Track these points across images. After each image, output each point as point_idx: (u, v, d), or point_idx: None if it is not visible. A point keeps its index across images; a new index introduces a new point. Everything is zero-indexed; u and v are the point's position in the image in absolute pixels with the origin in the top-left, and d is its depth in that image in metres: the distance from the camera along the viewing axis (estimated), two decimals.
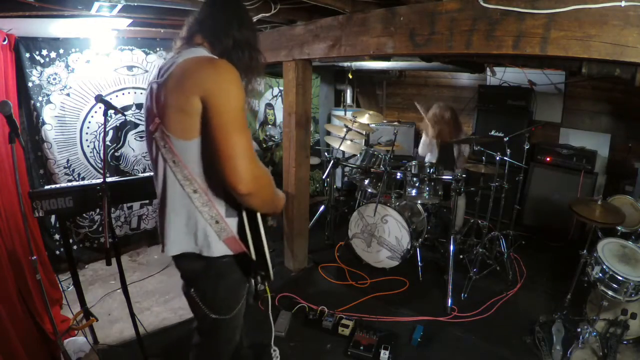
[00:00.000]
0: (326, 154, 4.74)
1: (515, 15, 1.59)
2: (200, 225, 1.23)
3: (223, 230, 1.23)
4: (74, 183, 2.31)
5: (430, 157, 3.76)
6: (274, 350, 1.82)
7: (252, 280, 1.40)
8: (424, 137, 3.79)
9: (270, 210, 1.35)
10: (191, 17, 1.33)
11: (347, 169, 3.86)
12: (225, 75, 1.14)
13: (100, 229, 3.24)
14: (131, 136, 3.34)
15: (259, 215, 1.29)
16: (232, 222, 1.27)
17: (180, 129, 1.15)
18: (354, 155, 3.77)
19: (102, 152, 3.09)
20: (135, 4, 2.14)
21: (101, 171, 3.03)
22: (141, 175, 2.35)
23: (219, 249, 1.26)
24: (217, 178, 1.19)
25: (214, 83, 1.12)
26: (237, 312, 1.41)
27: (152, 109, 1.22)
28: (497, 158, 3.05)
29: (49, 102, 2.83)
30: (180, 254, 1.29)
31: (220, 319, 1.37)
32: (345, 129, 3.53)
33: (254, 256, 1.29)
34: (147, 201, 3.50)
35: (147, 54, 3.27)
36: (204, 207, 1.21)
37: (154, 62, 3.32)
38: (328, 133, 4.60)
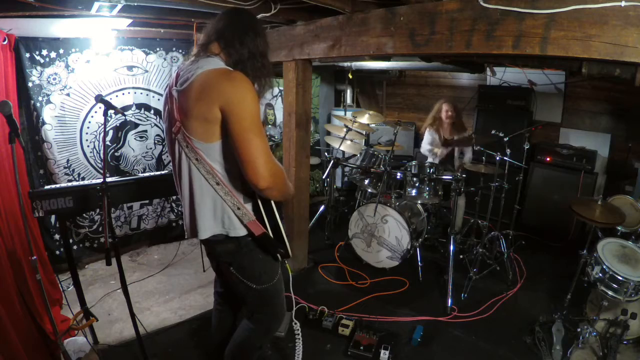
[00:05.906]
0: (326, 154, 4.75)
1: (515, 16, 1.59)
2: (226, 211, 1.41)
3: (245, 215, 1.41)
4: (74, 183, 2.32)
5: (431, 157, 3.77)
6: (295, 324, 1.94)
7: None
8: (426, 134, 3.79)
9: (284, 199, 1.52)
10: (210, 25, 1.45)
11: (347, 169, 3.86)
12: (242, 87, 1.28)
13: (100, 229, 3.24)
14: (131, 136, 3.34)
15: (272, 201, 1.48)
16: (250, 208, 1.44)
17: (201, 133, 1.31)
18: (354, 155, 3.77)
19: (102, 152, 3.09)
20: (135, 4, 2.14)
21: (101, 171, 3.03)
22: (141, 175, 2.34)
23: (243, 230, 1.44)
24: (235, 173, 1.38)
25: (232, 94, 1.26)
26: (277, 280, 1.57)
27: (173, 113, 1.37)
28: (497, 158, 3.05)
29: (49, 102, 2.83)
30: (214, 240, 1.46)
31: (264, 289, 1.53)
32: (345, 129, 3.53)
33: (271, 234, 1.46)
34: (147, 201, 3.50)
35: (147, 54, 3.27)
36: (227, 196, 1.39)
37: (153, 62, 3.32)
38: (328, 133, 4.59)
